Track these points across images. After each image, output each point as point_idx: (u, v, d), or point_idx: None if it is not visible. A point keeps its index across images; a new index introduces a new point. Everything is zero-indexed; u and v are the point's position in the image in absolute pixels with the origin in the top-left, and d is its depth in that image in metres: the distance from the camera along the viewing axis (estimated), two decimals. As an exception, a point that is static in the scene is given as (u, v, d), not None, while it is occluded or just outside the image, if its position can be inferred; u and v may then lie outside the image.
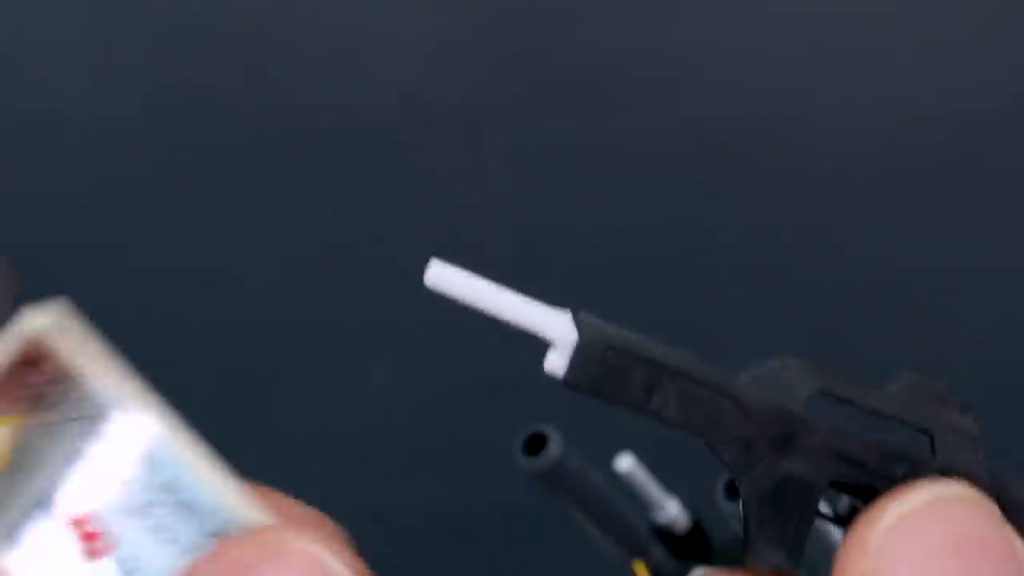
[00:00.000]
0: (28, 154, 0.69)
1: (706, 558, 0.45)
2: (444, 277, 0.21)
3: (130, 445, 0.20)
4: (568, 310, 0.21)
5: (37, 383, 0.20)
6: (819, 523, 0.43)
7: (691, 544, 0.45)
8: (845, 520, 0.21)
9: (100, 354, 0.19)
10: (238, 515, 0.19)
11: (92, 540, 0.20)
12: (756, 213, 0.63)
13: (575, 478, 0.40)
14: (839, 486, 0.21)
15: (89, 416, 0.20)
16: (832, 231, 0.62)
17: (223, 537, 0.19)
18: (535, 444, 0.39)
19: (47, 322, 0.19)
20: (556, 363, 0.21)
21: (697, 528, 0.46)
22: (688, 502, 0.47)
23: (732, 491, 0.37)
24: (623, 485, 0.44)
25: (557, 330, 0.21)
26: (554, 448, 0.39)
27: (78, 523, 0.20)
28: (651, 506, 0.45)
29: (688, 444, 0.59)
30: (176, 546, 0.19)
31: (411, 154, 0.70)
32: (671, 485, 0.47)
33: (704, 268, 0.63)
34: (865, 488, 0.20)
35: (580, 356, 0.21)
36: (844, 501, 0.21)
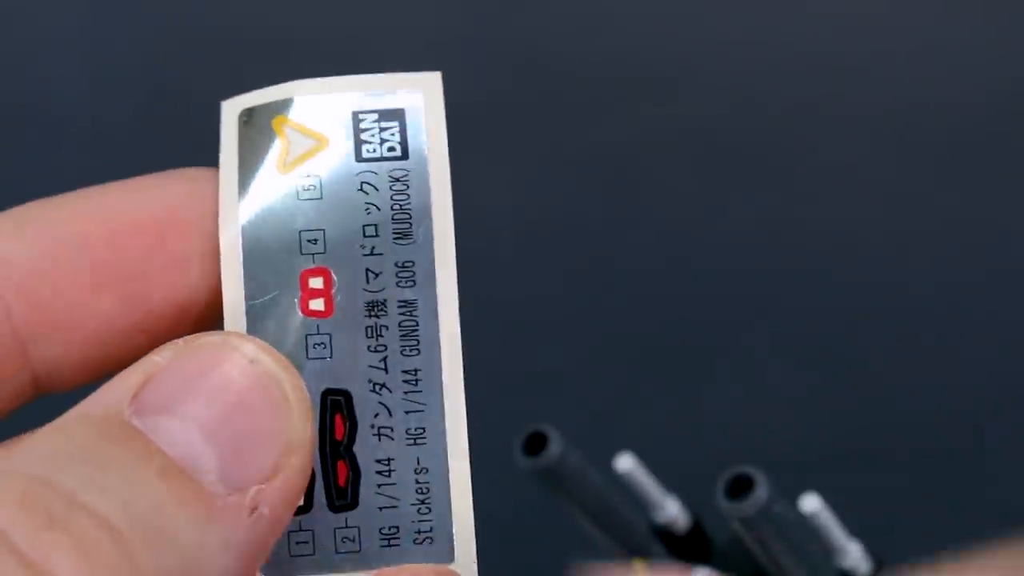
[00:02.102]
0: (28, 155, 0.69)
1: (706, 558, 0.45)
2: None
3: None
4: None
5: None
6: (820, 523, 0.42)
7: (691, 544, 0.45)
8: None
9: None
10: None
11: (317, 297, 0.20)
12: (757, 213, 0.63)
13: (575, 478, 0.40)
14: None
15: None
16: (833, 231, 0.62)
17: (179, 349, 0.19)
18: (535, 444, 0.39)
19: None
20: None
21: (697, 528, 0.46)
22: (688, 502, 0.47)
23: (732, 491, 0.37)
24: (623, 485, 0.44)
25: None
26: (554, 448, 0.39)
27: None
28: (651, 506, 0.45)
29: (688, 444, 0.59)
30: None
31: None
32: (671, 485, 0.47)
33: (704, 268, 0.63)
34: None
35: None
36: None
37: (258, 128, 0.21)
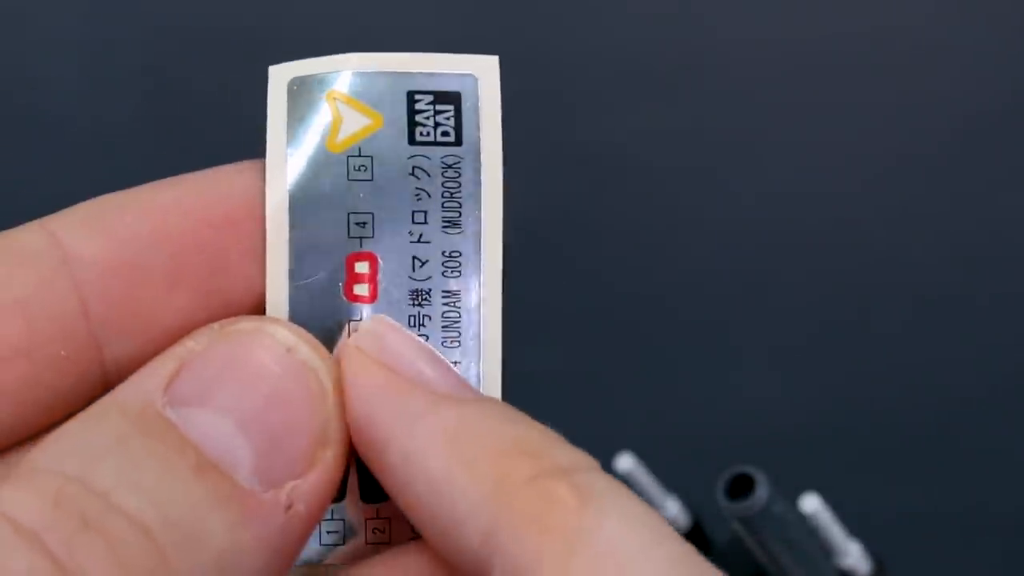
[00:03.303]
0: (28, 155, 0.69)
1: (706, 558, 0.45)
2: None
3: None
4: None
5: None
6: (820, 523, 0.42)
7: (691, 544, 0.45)
8: None
9: None
10: None
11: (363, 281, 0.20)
12: (758, 212, 0.63)
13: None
14: None
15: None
16: (836, 230, 0.62)
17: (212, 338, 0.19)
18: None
19: None
20: None
21: (697, 528, 0.46)
22: (688, 502, 0.47)
23: (732, 491, 0.37)
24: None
25: None
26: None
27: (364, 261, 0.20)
28: (651, 506, 0.45)
29: (688, 444, 0.59)
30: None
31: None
32: (671, 485, 0.47)
33: (705, 268, 0.63)
34: None
35: None
36: None
37: (309, 99, 0.20)
